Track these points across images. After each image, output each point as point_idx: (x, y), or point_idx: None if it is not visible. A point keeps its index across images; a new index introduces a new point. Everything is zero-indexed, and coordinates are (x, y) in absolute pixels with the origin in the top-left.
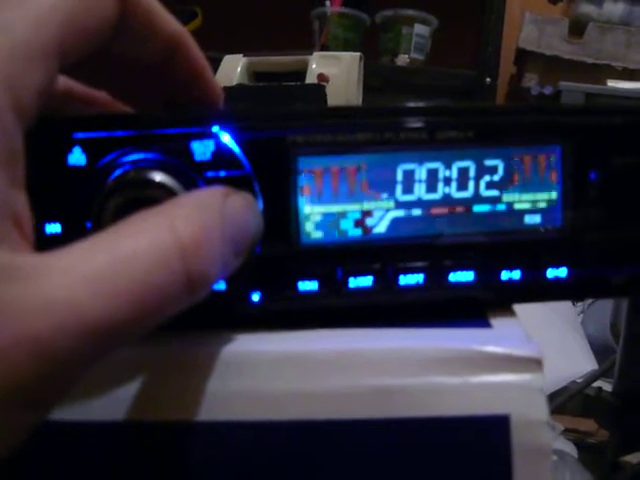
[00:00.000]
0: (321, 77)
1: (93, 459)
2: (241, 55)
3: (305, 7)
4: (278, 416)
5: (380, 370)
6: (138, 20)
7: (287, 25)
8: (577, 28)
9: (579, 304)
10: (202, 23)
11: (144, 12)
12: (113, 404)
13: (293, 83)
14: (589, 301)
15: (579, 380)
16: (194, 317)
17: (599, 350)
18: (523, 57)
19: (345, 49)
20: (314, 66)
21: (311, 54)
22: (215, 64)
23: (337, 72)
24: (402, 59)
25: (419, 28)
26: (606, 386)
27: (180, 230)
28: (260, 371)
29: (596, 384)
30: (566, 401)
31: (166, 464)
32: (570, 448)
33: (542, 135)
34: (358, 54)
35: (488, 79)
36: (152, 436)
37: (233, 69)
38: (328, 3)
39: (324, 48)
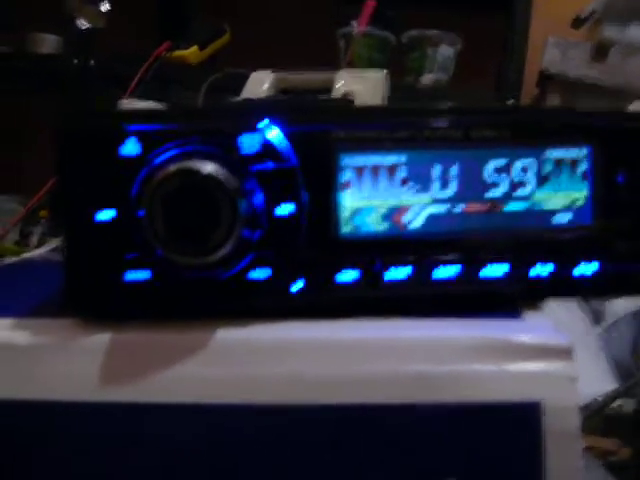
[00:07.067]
0: (347, 94)
1: None
2: (269, 71)
3: (331, 26)
4: (323, 400)
5: (420, 357)
6: None
7: (314, 44)
8: (600, 52)
9: (599, 327)
10: (231, 39)
11: None
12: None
13: (323, 96)
14: (610, 322)
15: (599, 399)
16: (236, 305)
17: (619, 371)
18: (546, 80)
19: (370, 68)
20: (340, 83)
21: (337, 72)
22: (243, 80)
23: (362, 89)
24: (427, 79)
25: (444, 49)
26: (627, 405)
27: None
28: (303, 357)
29: (618, 403)
30: (587, 418)
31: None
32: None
33: (574, 136)
34: (384, 71)
35: (511, 100)
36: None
37: (260, 85)
38: (354, 23)
39: (349, 67)
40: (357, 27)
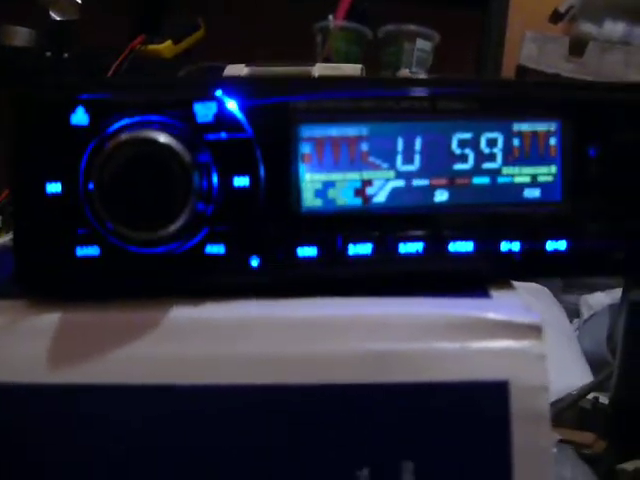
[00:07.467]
0: None
1: None
2: (243, 65)
3: (308, 20)
4: (280, 380)
5: (381, 335)
6: None
7: (290, 37)
8: (577, 47)
9: (576, 320)
10: (205, 34)
11: None
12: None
13: None
14: (585, 316)
15: (574, 392)
16: (192, 281)
17: (595, 364)
18: (523, 74)
19: (347, 62)
20: (316, 77)
21: (313, 65)
22: (218, 73)
23: None
24: (404, 73)
25: (421, 43)
26: (602, 398)
27: None
28: (260, 335)
29: (592, 396)
30: (562, 412)
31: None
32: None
33: (543, 109)
34: (359, 66)
35: None
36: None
37: None
38: (331, 17)
39: (326, 61)
40: (334, 21)
